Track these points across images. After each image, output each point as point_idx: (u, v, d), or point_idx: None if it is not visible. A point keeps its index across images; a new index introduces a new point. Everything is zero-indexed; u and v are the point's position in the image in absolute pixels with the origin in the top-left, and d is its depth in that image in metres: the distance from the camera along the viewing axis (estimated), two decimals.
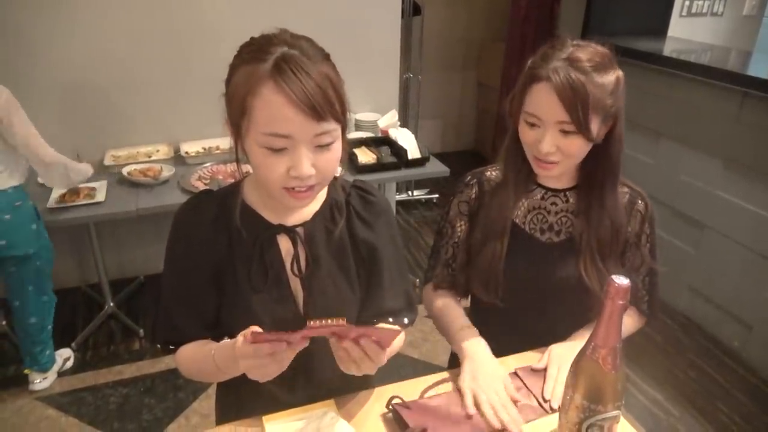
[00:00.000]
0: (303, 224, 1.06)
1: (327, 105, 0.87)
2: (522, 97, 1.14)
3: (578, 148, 1.10)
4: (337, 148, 0.93)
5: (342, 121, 0.92)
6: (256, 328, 0.85)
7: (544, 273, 1.23)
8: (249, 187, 1.06)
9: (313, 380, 1.10)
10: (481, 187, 1.29)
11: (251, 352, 0.84)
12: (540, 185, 1.26)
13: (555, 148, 1.10)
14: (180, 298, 1.05)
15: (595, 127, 1.08)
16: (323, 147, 0.91)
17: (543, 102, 1.09)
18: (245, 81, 0.88)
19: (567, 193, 1.25)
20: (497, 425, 1.04)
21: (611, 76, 1.09)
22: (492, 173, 1.30)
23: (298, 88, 0.85)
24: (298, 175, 0.89)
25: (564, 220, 1.24)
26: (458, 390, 1.13)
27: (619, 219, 1.20)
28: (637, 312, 1.32)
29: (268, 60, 0.87)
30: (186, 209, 1.06)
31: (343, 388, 1.13)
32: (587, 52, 1.08)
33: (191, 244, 1.03)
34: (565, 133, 1.09)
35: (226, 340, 0.96)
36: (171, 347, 1.08)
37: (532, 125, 1.12)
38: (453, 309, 1.31)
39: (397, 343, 1.12)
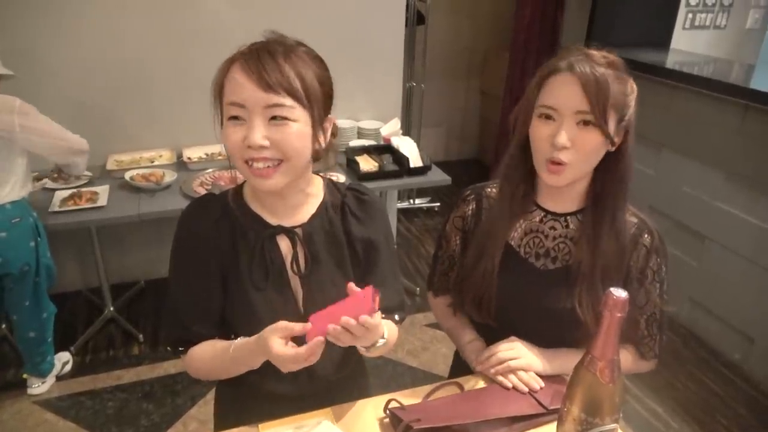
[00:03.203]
0: (301, 225, 1.10)
1: (280, 77, 0.93)
2: (536, 94, 1.10)
3: (594, 144, 1.06)
4: (299, 129, 0.96)
5: (304, 103, 0.96)
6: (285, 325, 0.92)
7: (535, 300, 1.19)
8: (249, 190, 1.10)
9: (313, 372, 1.11)
10: (479, 203, 1.27)
11: (291, 357, 0.91)
12: (539, 207, 1.22)
13: (570, 143, 1.05)
14: (189, 297, 1.08)
15: (612, 125, 1.05)
16: (278, 121, 0.95)
17: (563, 92, 1.05)
18: (222, 68, 0.98)
19: (567, 218, 1.19)
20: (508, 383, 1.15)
21: (627, 80, 1.09)
22: (492, 189, 1.27)
23: (255, 62, 0.94)
24: (250, 144, 0.94)
25: (561, 247, 1.19)
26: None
27: (624, 242, 1.15)
28: (636, 353, 1.26)
29: (244, 48, 0.97)
30: (191, 210, 1.10)
31: (341, 381, 1.18)
32: (603, 53, 1.09)
33: (198, 243, 1.06)
34: (583, 124, 1.05)
35: (245, 339, 1.01)
36: (180, 348, 1.10)
37: (548, 118, 1.08)
38: (459, 320, 1.36)
39: (392, 335, 1.13)
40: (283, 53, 0.96)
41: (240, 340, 1.02)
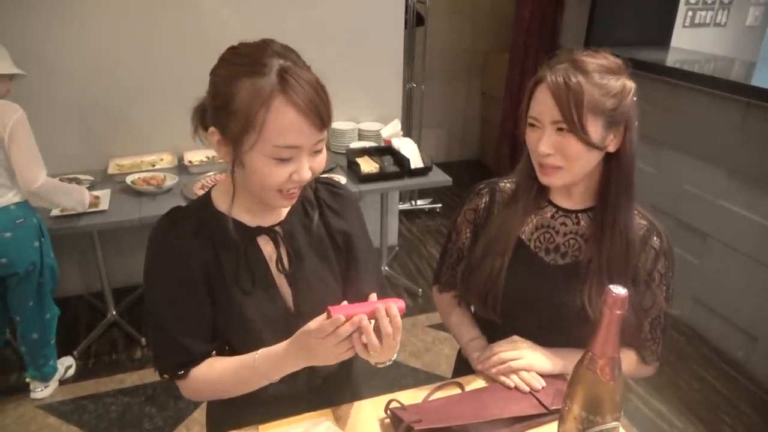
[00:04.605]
0: (280, 223, 1.09)
1: (327, 113, 0.93)
2: (528, 104, 1.12)
3: (576, 150, 1.06)
4: (325, 151, 1.00)
5: (329, 128, 0.99)
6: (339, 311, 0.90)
7: (544, 295, 1.18)
8: (218, 196, 1.07)
9: (312, 367, 1.08)
10: (492, 197, 1.27)
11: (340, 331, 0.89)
12: (551, 203, 1.22)
13: (553, 150, 1.07)
14: (182, 317, 1.04)
15: (595, 129, 1.05)
16: (317, 152, 0.97)
17: (540, 102, 1.07)
18: (253, 95, 0.89)
19: (579, 214, 1.19)
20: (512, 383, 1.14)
21: (615, 80, 1.06)
22: (507, 184, 1.27)
23: (306, 99, 0.90)
24: (300, 180, 0.95)
25: (572, 243, 1.19)
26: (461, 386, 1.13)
27: (631, 241, 1.14)
28: (637, 357, 1.25)
29: (269, 73, 0.90)
30: (164, 227, 1.05)
31: (339, 378, 1.20)
32: (594, 56, 1.08)
33: (180, 259, 1.02)
34: (561, 132, 1.06)
35: (269, 348, 1.00)
36: (180, 372, 1.06)
37: (534, 128, 1.10)
38: (462, 317, 1.36)
39: None
40: (316, 81, 0.93)
41: (264, 350, 1.01)
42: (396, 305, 0.93)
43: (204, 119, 1.00)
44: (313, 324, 0.91)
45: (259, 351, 1.01)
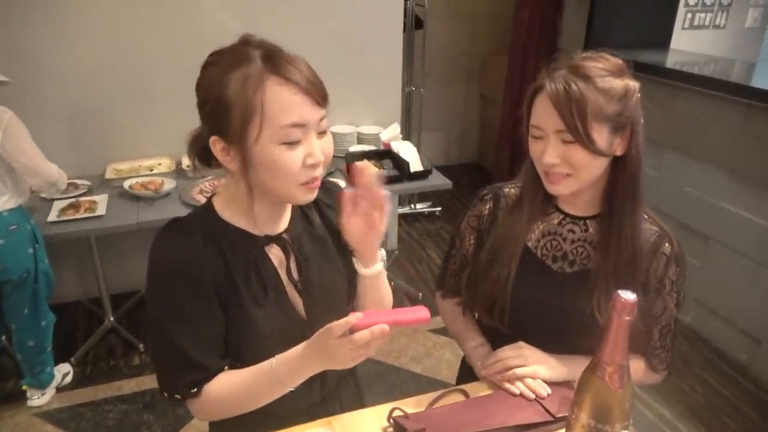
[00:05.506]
0: (285, 230, 1.06)
1: (323, 88, 0.93)
2: (528, 112, 1.09)
3: (582, 159, 1.03)
4: (330, 134, 0.97)
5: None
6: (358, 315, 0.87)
7: (551, 303, 1.16)
8: (222, 206, 1.03)
9: (324, 374, 1.04)
10: (496, 203, 1.24)
11: (364, 338, 0.86)
12: (558, 209, 1.19)
13: (559, 160, 1.04)
14: (192, 333, 0.98)
15: (601, 137, 1.02)
16: (323, 133, 0.95)
17: (542, 112, 1.05)
18: (245, 82, 0.88)
19: (587, 221, 1.16)
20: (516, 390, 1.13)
21: (618, 83, 1.03)
22: (511, 190, 1.24)
23: (298, 75, 0.89)
24: (316, 161, 0.92)
25: (580, 250, 1.17)
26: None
27: (639, 248, 1.12)
28: (646, 365, 1.24)
29: (254, 59, 0.89)
30: (168, 239, 0.99)
31: (347, 384, 1.20)
32: (594, 60, 1.05)
33: (187, 273, 0.97)
34: (566, 143, 1.03)
35: (284, 354, 0.96)
36: (193, 390, 0.99)
37: (538, 138, 1.07)
38: (466, 323, 1.34)
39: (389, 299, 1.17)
40: (302, 59, 0.93)
41: (280, 355, 0.96)
42: (419, 315, 0.91)
43: (202, 146, 0.99)
44: (330, 325, 0.88)
45: (276, 357, 0.97)
